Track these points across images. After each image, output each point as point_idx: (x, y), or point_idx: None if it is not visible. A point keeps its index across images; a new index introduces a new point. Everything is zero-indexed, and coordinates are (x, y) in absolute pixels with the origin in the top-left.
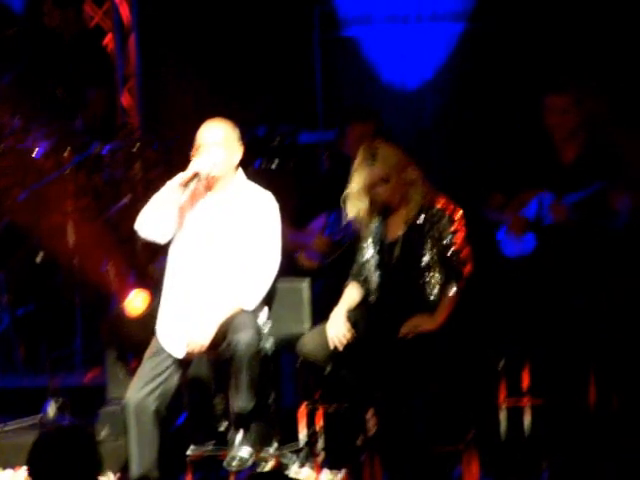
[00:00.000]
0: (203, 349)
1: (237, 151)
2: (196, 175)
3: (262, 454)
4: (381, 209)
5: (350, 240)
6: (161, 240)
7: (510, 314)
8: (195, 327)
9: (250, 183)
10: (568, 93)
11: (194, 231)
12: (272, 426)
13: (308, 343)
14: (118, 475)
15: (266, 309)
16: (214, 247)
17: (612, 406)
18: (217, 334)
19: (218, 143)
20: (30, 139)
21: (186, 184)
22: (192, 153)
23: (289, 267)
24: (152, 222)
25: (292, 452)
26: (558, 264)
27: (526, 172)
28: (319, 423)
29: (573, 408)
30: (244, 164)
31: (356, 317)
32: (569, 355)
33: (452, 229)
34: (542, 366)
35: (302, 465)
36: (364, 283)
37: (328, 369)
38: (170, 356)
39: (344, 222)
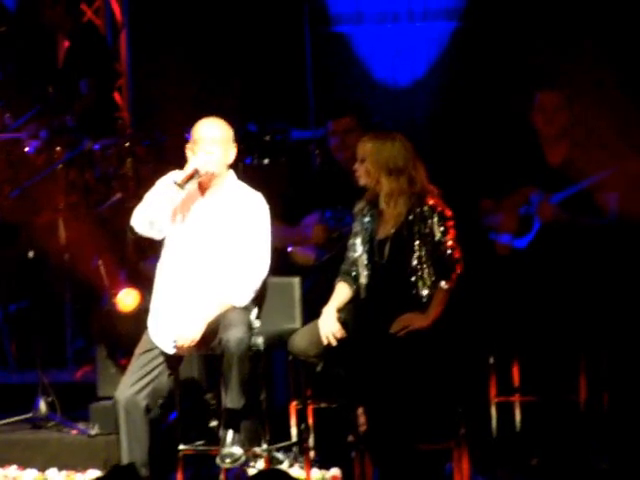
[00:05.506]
0: (192, 345)
1: (232, 150)
2: (195, 173)
3: (253, 451)
4: (373, 202)
5: (347, 236)
6: (156, 236)
7: (501, 311)
8: (184, 323)
9: (241, 183)
10: (559, 91)
11: (186, 229)
12: (263, 424)
13: (299, 341)
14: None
15: (256, 307)
16: (205, 245)
17: (602, 403)
18: (209, 331)
19: (216, 141)
20: (22, 136)
21: (185, 183)
22: (187, 149)
23: (282, 264)
24: (148, 218)
25: (283, 450)
26: (549, 261)
27: (514, 173)
28: (310, 420)
29: (564, 405)
30: (235, 161)
31: (347, 315)
32: (560, 352)
33: (442, 227)
34: (533, 363)
35: (293, 463)
36: (354, 281)
37: (319, 367)
38: (161, 353)
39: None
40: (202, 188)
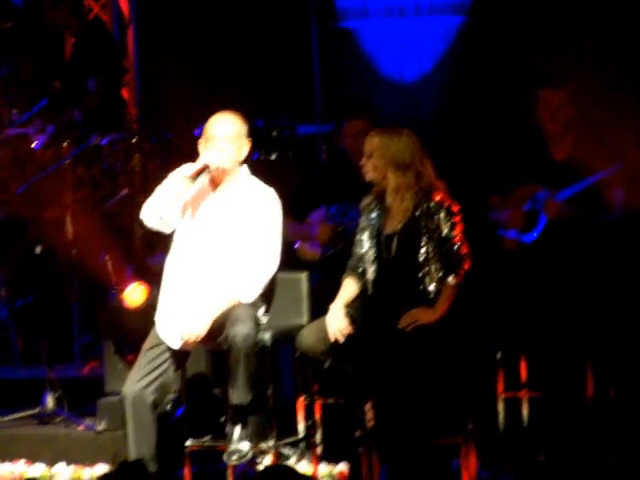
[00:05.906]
0: (198, 340)
1: (245, 146)
2: (205, 168)
3: (260, 447)
4: (380, 197)
5: (352, 231)
6: (166, 230)
7: (508, 306)
8: (191, 318)
9: (253, 178)
10: (563, 88)
11: (197, 224)
12: (270, 419)
13: (307, 338)
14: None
15: (265, 303)
16: (215, 241)
17: (609, 398)
18: (216, 326)
19: (229, 138)
20: (29, 131)
21: (195, 177)
22: (200, 143)
23: (288, 259)
24: (158, 211)
25: (290, 445)
26: (557, 257)
27: (519, 168)
28: (317, 416)
29: (571, 400)
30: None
31: (354, 310)
32: (567, 347)
33: (450, 223)
34: (540, 358)
35: (300, 458)
36: (362, 276)
37: (327, 363)
38: (168, 348)
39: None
40: (214, 183)
